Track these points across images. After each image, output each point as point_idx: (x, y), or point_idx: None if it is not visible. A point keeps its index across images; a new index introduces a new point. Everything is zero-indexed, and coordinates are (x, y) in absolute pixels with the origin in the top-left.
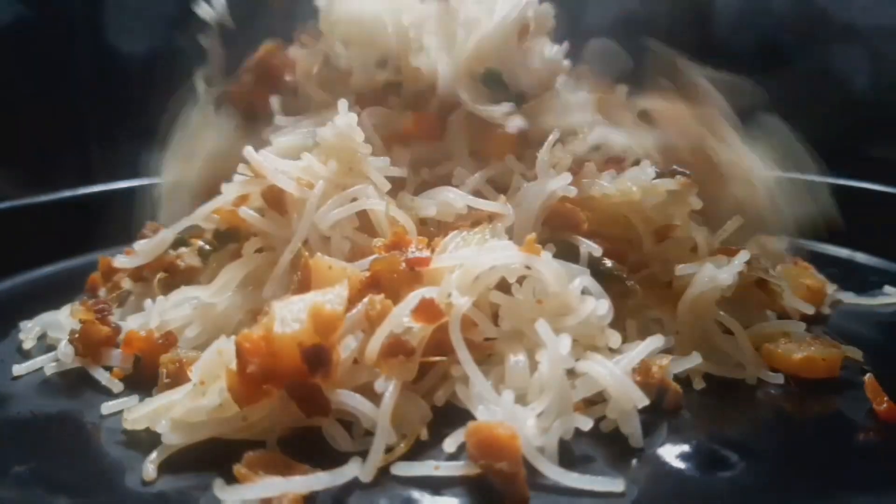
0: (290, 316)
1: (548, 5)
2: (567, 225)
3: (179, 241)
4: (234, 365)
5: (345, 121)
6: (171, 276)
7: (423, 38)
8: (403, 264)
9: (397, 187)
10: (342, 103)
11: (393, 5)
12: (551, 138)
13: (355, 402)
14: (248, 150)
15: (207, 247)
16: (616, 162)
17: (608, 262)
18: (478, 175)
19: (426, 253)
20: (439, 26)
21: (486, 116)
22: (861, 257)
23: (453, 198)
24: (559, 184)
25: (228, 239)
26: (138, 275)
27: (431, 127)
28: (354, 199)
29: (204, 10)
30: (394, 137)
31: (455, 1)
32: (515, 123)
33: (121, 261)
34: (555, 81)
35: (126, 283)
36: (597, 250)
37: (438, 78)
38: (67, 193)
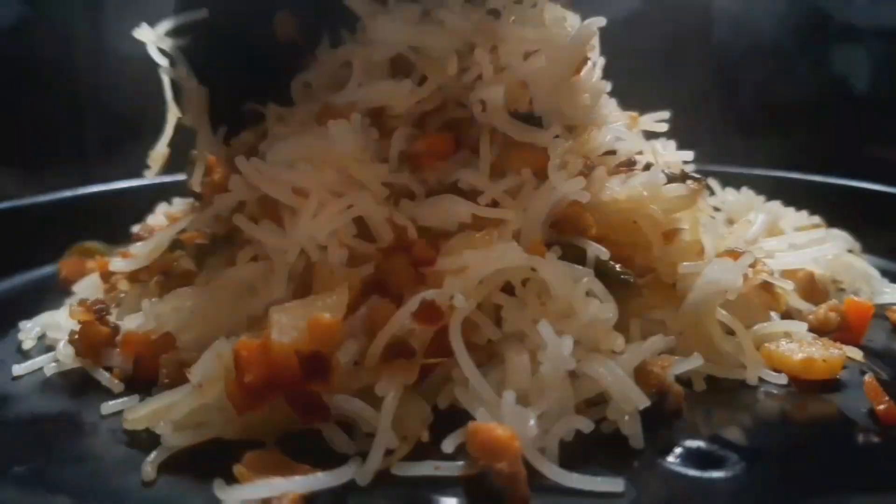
0: (288, 323)
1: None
2: (574, 229)
3: (176, 245)
4: (232, 370)
5: (341, 128)
6: (168, 278)
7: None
8: (408, 265)
9: (399, 194)
10: (355, 117)
11: (430, 33)
12: (563, 145)
13: (355, 406)
14: (241, 160)
15: (203, 251)
16: (626, 166)
17: (616, 266)
18: (495, 185)
19: (431, 253)
20: (482, 52)
21: (528, 141)
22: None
23: (457, 206)
24: (571, 188)
25: (224, 244)
26: (135, 277)
27: (444, 150)
28: (350, 207)
29: (144, 35)
30: (408, 160)
31: (503, 23)
32: (559, 150)
33: (117, 265)
34: (598, 106)
35: (123, 285)
36: (604, 253)
37: (475, 110)
38: (67, 193)
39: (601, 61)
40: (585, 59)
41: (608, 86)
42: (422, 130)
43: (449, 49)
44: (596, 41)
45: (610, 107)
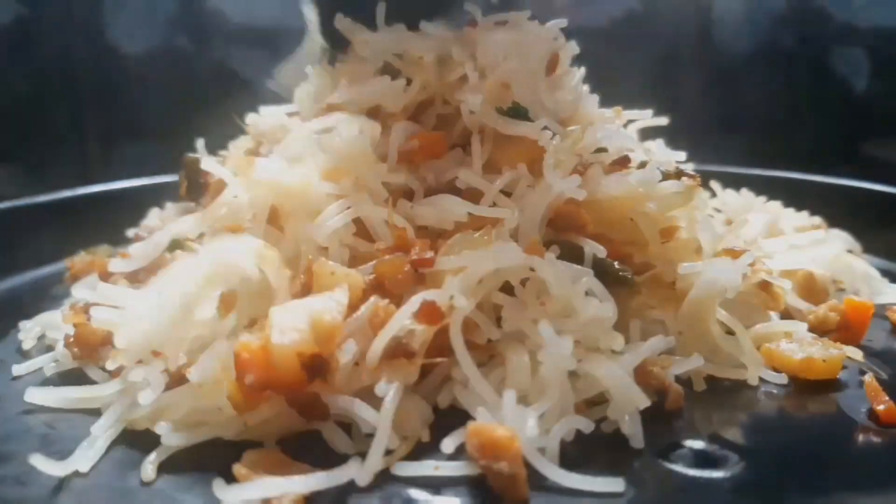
0: (288, 324)
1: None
2: (572, 226)
3: (175, 244)
4: (232, 371)
5: (350, 128)
6: None
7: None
8: (408, 266)
9: (398, 194)
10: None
11: (422, 39)
12: (555, 141)
13: (356, 407)
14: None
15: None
16: (621, 163)
17: (615, 263)
18: (493, 185)
19: (430, 254)
20: (467, 55)
21: (518, 134)
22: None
23: (453, 205)
24: (567, 185)
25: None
26: (134, 277)
27: (437, 147)
28: (349, 209)
29: None
30: (402, 157)
31: (484, 29)
32: (552, 140)
33: (117, 265)
34: (579, 107)
35: (122, 286)
36: (601, 251)
37: (463, 112)
38: (67, 193)
39: (582, 70)
40: (556, 57)
41: (594, 97)
42: (416, 128)
43: (429, 49)
44: (562, 41)
45: (593, 106)
